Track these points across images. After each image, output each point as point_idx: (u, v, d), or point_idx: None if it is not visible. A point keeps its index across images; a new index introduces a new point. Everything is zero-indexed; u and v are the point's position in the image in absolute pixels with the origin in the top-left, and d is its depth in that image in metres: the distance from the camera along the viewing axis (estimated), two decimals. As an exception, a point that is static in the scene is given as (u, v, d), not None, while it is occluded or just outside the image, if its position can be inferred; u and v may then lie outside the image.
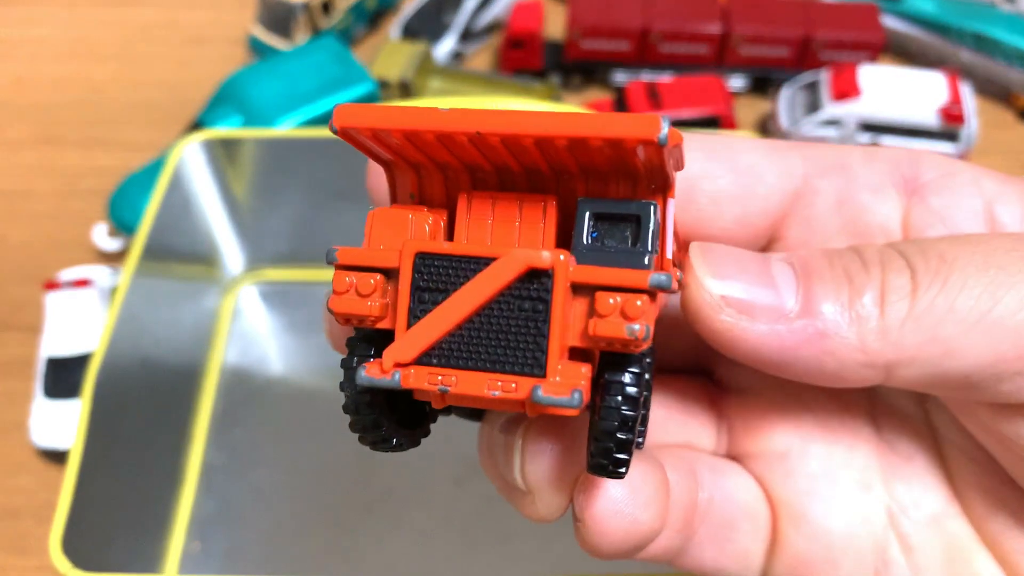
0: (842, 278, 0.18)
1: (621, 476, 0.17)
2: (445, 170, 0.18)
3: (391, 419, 0.18)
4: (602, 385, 0.16)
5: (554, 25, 0.76)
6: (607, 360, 0.16)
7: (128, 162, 0.64)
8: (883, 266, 0.18)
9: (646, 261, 0.16)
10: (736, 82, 0.72)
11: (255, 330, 0.57)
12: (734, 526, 0.21)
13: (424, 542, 0.48)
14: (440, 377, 0.16)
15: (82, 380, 0.46)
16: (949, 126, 0.63)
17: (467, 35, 0.75)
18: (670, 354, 0.23)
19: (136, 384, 0.47)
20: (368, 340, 0.18)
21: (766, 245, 0.22)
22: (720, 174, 0.21)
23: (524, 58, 0.72)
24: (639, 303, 0.15)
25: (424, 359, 0.16)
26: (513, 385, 0.16)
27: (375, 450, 0.19)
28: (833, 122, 0.65)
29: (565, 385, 0.16)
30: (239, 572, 0.47)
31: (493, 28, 0.77)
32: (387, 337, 0.17)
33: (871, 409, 0.22)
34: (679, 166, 0.17)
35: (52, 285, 0.55)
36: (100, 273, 0.56)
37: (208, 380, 0.54)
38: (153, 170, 0.59)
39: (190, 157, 0.53)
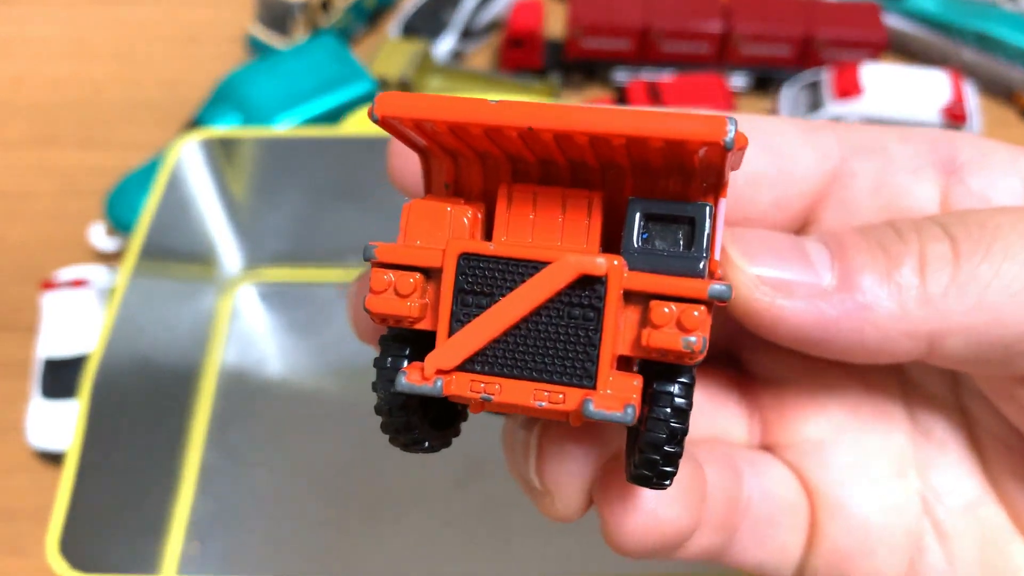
0: (877, 249, 0.18)
1: (665, 487, 0.16)
2: (485, 159, 0.17)
3: (424, 421, 0.18)
4: (650, 395, 0.16)
5: (554, 24, 0.76)
6: (656, 370, 0.16)
7: (126, 161, 0.64)
8: (920, 235, 0.18)
9: (700, 267, 0.15)
10: (737, 81, 0.72)
11: (254, 330, 0.56)
12: (775, 521, 0.21)
13: (424, 543, 0.47)
14: (483, 385, 0.16)
15: (79, 381, 0.46)
16: (951, 125, 0.63)
17: (467, 34, 0.75)
18: None
19: (134, 385, 0.46)
20: (403, 340, 0.17)
21: (802, 228, 0.21)
22: (755, 155, 0.20)
23: (524, 57, 0.72)
24: (696, 314, 0.15)
25: (467, 366, 0.16)
26: (561, 396, 0.15)
27: (406, 451, 0.18)
28: (835, 121, 0.64)
29: (618, 399, 0.15)
30: (238, 573, 0.46)
31: (493, 27, 0.77)
32: (422, 337, 0.16)
33: (903, 395, 0.22)
34: (735, 166, 0.16)
35: (49, 285, 0.55)
36: (97, 273, 0.56)
37: (206, 381, 0.54)
38: (151, 169, 0.59)
39: (188, 156, 0.52)
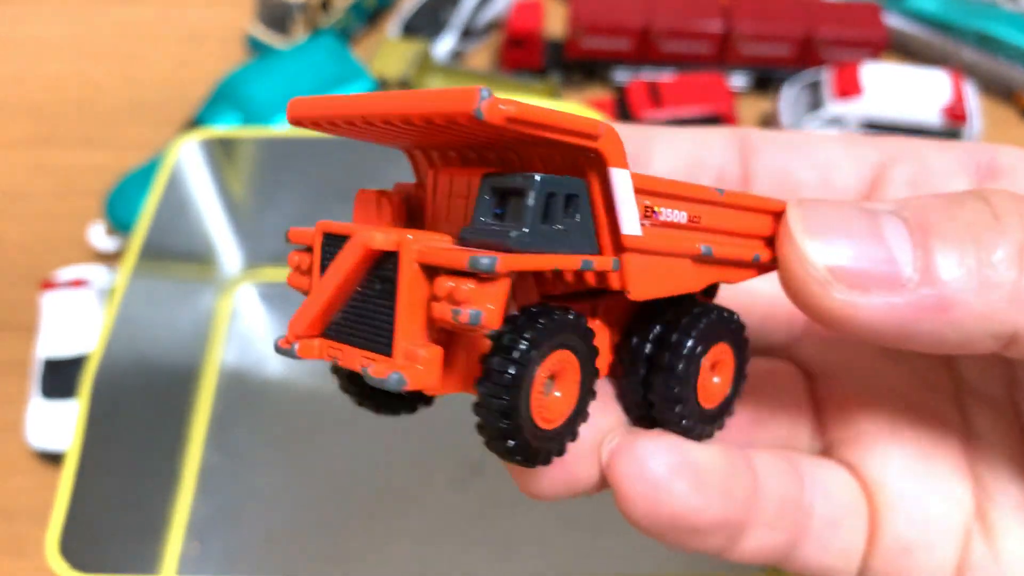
0: (966, 235, 0.16)
1: (511, 458, 0.16)
2: (425, 151, 0.19)
3: (357, 385, 0.20)
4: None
5: (554, 23, 0.76)
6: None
7: (125, 161, 0.64)
8: (1021, 217, 0.16)
9: (511, 237, 0.15)
10: (738, 80, 0.72)
11: (253, 330, 0.56)
12: (837, 523, 0.21)
13: (423, 543, 0.47)
14: (332, 351, 0.17)
15: (79, 381, 0.45)
16: (952, 125, 0.63)
17: (467, 33, 0.75)
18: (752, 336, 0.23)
19: (133, 385, 0.46)
20: None
21: None
22: (801, 167, 0.21)
23: (524, 56, 0.72)
24: (466, 287, 0.15)
25: (326, 332, 0.17)
26: (374, 363, 0.16)
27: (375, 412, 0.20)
28: (835, 120, 0.64)
29: (389, 366, 0.16)
30: (238, 573, 0.46)
31: (493, 26, 0.77)
32: None
33: (957, 393, 0.22)
34: (592, 134, 0.16)
35: (48, 285, 0.55)
36: (97, 273, 0.56)
37: (206, 381, 0.53)
38: (150, 169, 0.59)
39: (187, 156, 0.52)
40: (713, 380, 0.20)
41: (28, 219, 0.63)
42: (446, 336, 0.16)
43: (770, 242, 0.19)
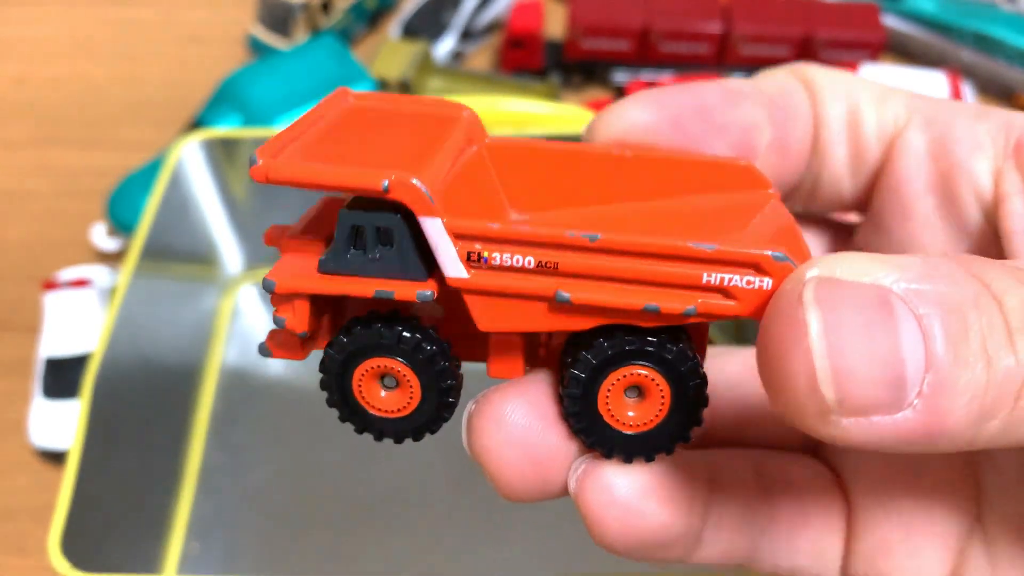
0: (978, 353, 0.14)
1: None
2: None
3: None
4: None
5: (554, 24, 0.76)
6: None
7: (127, 161, 0.64)
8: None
9: (320, 262, 0.19)
10: (737, 81, 0.72)
11: (254, 330, 0.57)
12: (806, 521, 0.21)
13: (424, 543, 0.47)
14: None
15: (81, 380, 0.46)
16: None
17: (467, 35, 0.75)
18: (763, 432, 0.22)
19: (135, 384, 0.47)
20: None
21: (870, 193, 0.21)
22: (831, 102, 0.21)
23: (524, 58, 0.72)
24: (277, 300, 0.20)
25: None
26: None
27: None
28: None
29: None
30: (238, 573, 0.46)
31: (493, 27, 0.77)
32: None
33: (976, 501, 0.21)
34: (374, 189, 0.17)
35: (51, 285, 0.55)
36: (99, 273, 0.56)
37: (207, 380, 0.54)
38: (152, 170, 0.59)
39: (189, 156, 0.53)
40: (627, 404, 0.19)
41: (30, 219, 0.64)
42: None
43: (693, 289, 0.17)
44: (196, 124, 0.62)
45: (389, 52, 0.68)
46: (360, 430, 0.21)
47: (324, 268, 0.18)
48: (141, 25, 0.79)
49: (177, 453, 0.50)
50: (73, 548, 0.37)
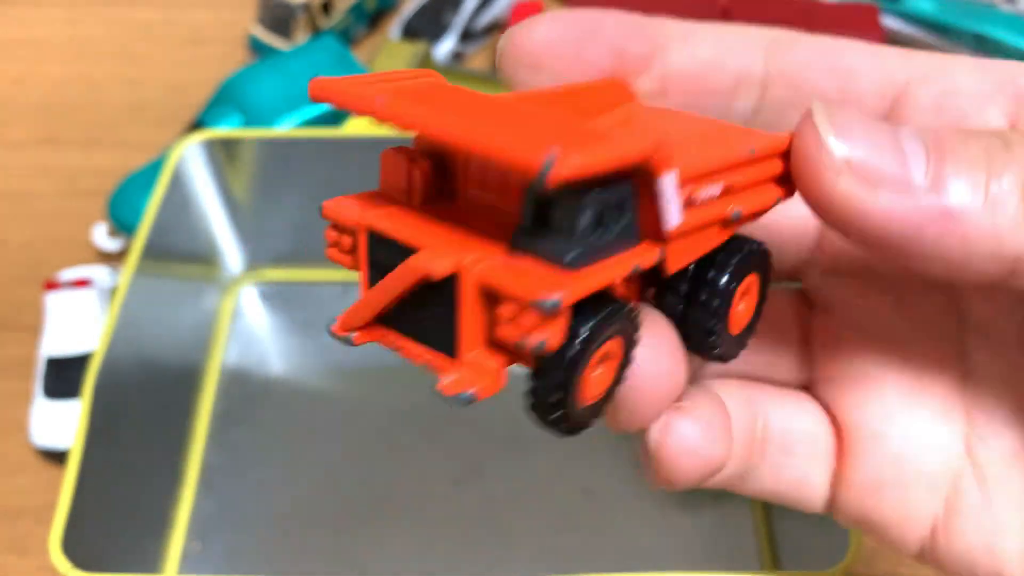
0: (980, 156, 0.16)
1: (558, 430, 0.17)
2: None
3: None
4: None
5: (554, 25, 0.76)
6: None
7: (128, 162, 0.64)
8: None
9: (567, 258, 0.15)
10: (736, 82, 0.72)
11: (255, 330, 0.57)
12: (790, 452, 0.21)
13: (424, 542, 0.48)
14: (393, 340, 0.17)
15: (82, 380, 0.46)
16: (949, 126, 0.63)
17: (467, 35, 0.75)
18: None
19: (136, 384, 0.47)
20: None
21: None
22: (821, 75, 0.20)
23: (524, 58, 0.72)
24: (531, 319, 0.15)
25: (382, 321, 0.17)
26: (436, 365, 0.17)
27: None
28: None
29: (459, 383, 0.16)
30: (239, 572, 0.47)
31: (493, 28, 0.77)
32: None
33: (960, 337, 0.21)
34: (647, 157, 0.16)
35: (52, 285, 0.55)
36: (100, 273, 0.56)
37: (208, 380, 0.54)
38: (153, 170, 0.59)
39: (190, 157, 0.53)
40: (739, 308, 0.20)
41: (31, 220, 0.64)
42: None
43: (779, 180, 0.19)
44: (197, 125, 0.62)
45: (389, 53, 0.69)
46: (573, 431, 0.18)
47: (573, 263, 0.15)
48: (141, 25, 0.79)
49: (178, 453, 0.50)
50: (74, 548, 0.37)
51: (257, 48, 0.74)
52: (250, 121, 0.60)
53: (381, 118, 0.16)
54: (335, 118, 0.61)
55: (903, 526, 0.21)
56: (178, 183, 0.52)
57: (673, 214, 0.17)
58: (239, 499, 0.49)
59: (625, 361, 0.18)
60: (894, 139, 0.17)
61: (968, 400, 0.21)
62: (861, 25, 0.71)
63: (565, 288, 0.15)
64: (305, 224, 0.57)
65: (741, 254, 0.19)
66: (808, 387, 0.23)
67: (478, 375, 0.16)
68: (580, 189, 0.15)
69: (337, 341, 0.18)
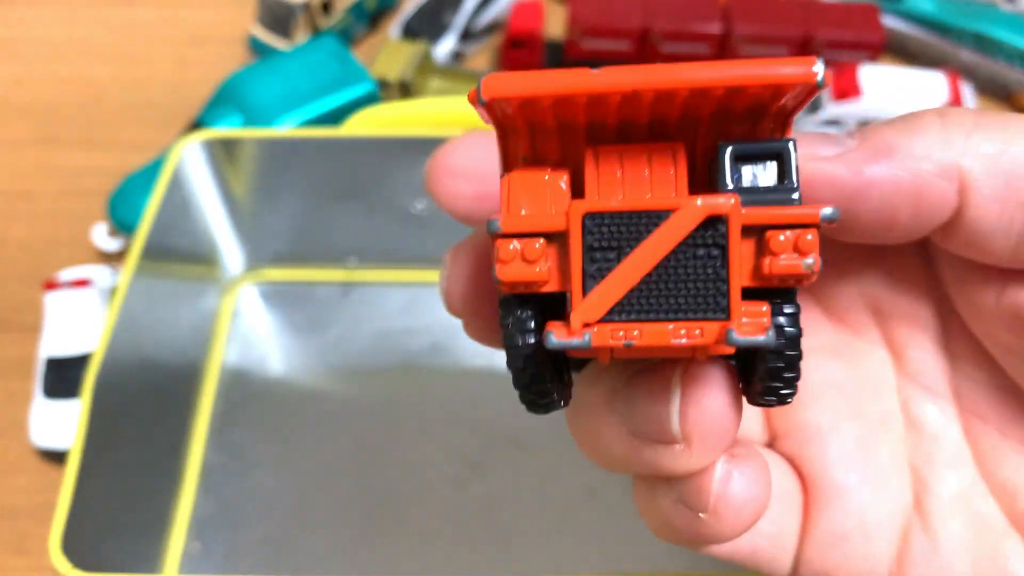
0: (898, 120, 0.18)
1: (790, 400, 0.17)
2: (562, 128, 0.18)
3: (551, 373, 0.18)
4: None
5: (554, 25, 0.76)
6: (767, 294, 0.17)
7: (128, 162, 0.64)
8: (942, 111, 0.18)
9: (796, 197, 0.17)
10: (736, 82, 0.72)
11: (255, 330, 0.57)
12: (768, 508, 0.21)
13: (424, 543, 0.48)
14: (623, 332, 0.16)
15: (81, 380, 0.46)
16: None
17: (467, 35, 0.75)
18: None
19: (136, 384, 0.47)
20: (525, 301, 0.18)
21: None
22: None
23: (524, 58, 0.72)
24: (810, 237, 0.16)
25: (607, 317, 0.16)
26: (698, 331, 0.16)
27: (533, 409, 0.19)
28: (834, 122, 0.65)
29: (757, 324, 0.16)
30: (239, 573, 0.47)
31: (493, 28, 0.77)
32: (544, 299, 0.17)
33: (900, 384, 0.22)
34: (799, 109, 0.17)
35: (51, 285, 0.55)
36: (100, 273, 0.56)
37: (208, 380, 0.54)
38: (153, 170, 0.59)
39: (190, 157, 0.53)
40: None
41: (31, 220, 0.64)
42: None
43: None
44: (197, 124, 0.62)
45: (389, 52, 0.69)
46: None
47: (798, 203, 0.17)
48: (141, 25, 0.79)
49: (177, 453, 0.50)
50: (73, 548, 0.37)
51: (257, 48, 0.74)
52: (250, 121, 0.60)
53: (613, 89, 0.16)
54: (335, 118, 0.61)
55: None
56: (178, 183, 0.52)
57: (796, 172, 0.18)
58: (239, 499, 0.49)
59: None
60: (824, 134, 0.19)
61: (913, 449, 0.22)
62: (862, 25, 0.71)
63: (825, 205, 0.16)
64: (305, 224, 0.57)
65: (794, 299, 0.19)
66: (771, 443, 0.23)
67: (760, 317, 0.16)
68: (784, 140, 0.17)
69: (568, 348, 0.16)
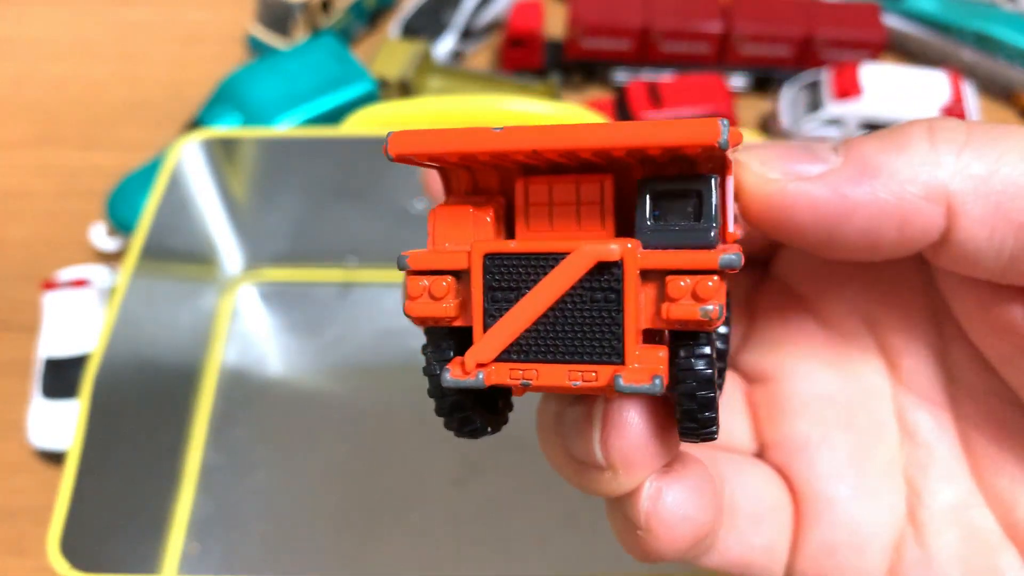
0: (885, 133, 0.18)
1: (713, 437, 0.17)
2: (498, 165, 0.18)
3: (474, 403, 0.19)
4: (676, 366, 0.17)
5: (554, 24, 0.76)
6: (677, 336, 0.17)
7: (126, 161, 0.64)
8: (931, 125, 0.18)
9: (712, 236, 0.16)
10: (737, 81, 0.72)
11: (254, 330, 0.56)
12: (759, 519, 0.21)
13: (423, 543, 0.47)
14: (521, 372, 0.17)
15: (80, 380, 0.46)
16: (951, 125, 0.63)
17: (467, 34, 0.75)
18: None
19: (134, 384, 0.47)
20: (450, 333, 0.18)
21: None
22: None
23: (524, 57, 0.72)
24: (710, 284, 0.16)
25: (504, 356, 0.17)
26: (593, 374, 0.16)
27: (460, 435, 0.19)
28: (835, 121, 0.64)
29: (645, 371, 0.16)
30: (238, 573, 0.46)
31: (493, 27, 0.77)
32: (463, 332, 0.18)
33: (894, 394, 0.22)
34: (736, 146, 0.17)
35: (50, 285, 0.55)
36: (98, 273, 0.56)
37: (207, 380, 0.54)
38: (152, 169, 0.59)
39: (188, 156, 0.52)
40: None
41: (29, 219, 0.64)
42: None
43: None
44: (196, 124, 0.62)
45: (389, 52, 0.68)
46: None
47: (713, 244, 0.16)
48: (141, 25, 0.79)
49: (177, 453, 0.50)
50: (72, 548, 0.37)
51: (256, 47, 0.73)
52: (249, 120, 0.60)
53: (513, 149, 0.16)
54: (334, 117, 0.61)
55: None
56: (177, 182, 0.52)
57: (732, 217, 0.18)
58: (238, 499, 0.49)
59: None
60: (807, 148, 0.19)
61: (908, 458, 0.21)
62: (863, 24, 0.71)
63: (734, 250, 0.16)
64: (304, 223, 0.57)
65: (708, 339, 0.18)
66: (760, 454, 0.23)
67: (654, 363, 0.16)
68: (705, 177, 0.17)
69: (462, 387, 0.17)
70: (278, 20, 0.72)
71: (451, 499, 0.49)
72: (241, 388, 0.54)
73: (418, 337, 0.56)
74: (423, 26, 0.74)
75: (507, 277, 0.17)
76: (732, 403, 0.23)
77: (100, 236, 0.60)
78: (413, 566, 0.47)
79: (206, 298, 0.57)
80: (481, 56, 0.76)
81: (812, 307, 0.23)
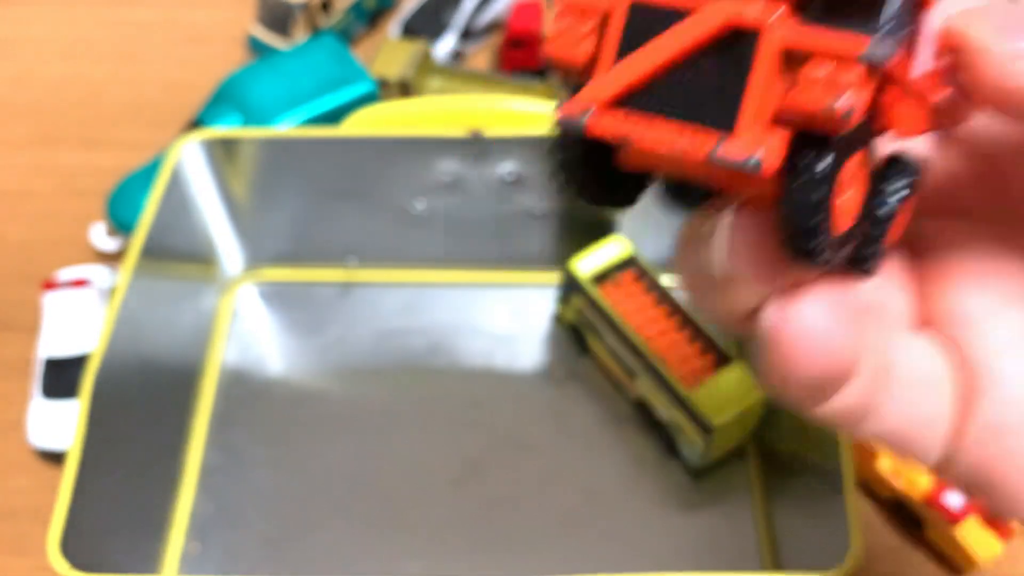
0: None
1: (815, 257, 0.15)
2: None
3: (584, 164, 0.18)
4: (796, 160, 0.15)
5: (554, 24, 0.76)
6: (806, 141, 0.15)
7: (127, 161, 0.64)
8: None
9: (880, 37, 0.14)
10: None
11: (254, 330, 0.57)
12: (921, 390, 0.20)
13: (424, 542, 0.47)
14: (630, 125, 0.16)
15: (80, 380, 0.46)
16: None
17: (467, 34, 0.75)
18: None
19: (134, 384, 0.47)
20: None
21: None
22: None
23: (524, 57, 0.72)
24: (849, 74, 0.14)
25: (619, 103, 0.16)
26: (698, 140, 0.15)
27: (581, 198, 0.18)
28: None
29: (747, 145, 0.14)
30: (238, 573, 0.46)
31: (493, 27, 0.77)
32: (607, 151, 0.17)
33: None
34: None
35: (50, 285, 0.55)
36: (98, 273, 0.56)
37: (207, 380, 0.54)
38: (152, 169, 0.59)
39: (189, 156, 0.53)
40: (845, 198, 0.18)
41: (30, 219, 0.64)
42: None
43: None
44: (196, 124, 0.62)
45: (389, 52, 0.68)
46: (828, 263, 0.16)
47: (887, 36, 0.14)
48: (141, 25, 0.79)
49: (177, 453, 0.50)
50: (72, 548, 0.37)
51: (256, 47, 0.73)
52: (249, 120, 0.60)
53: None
54: (335, 117, 0.61)
55: (1021, 482, 0.19)
56: (177, 182, 0.52)
57: (924, 57, 0.15)
58: (238, 499, 0.49)
59: (874, 197, 0.17)
60: None
61: None
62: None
63: (889, 48, 0.14)
64: (305, 223, 0.57)
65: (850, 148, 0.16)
66: (925, 323, 0.21)
67: (764, 139, 0.14)
68: None
69: (563, 126, 0.16)
70: (278, 20, 0.72)
71: (451, 499, 0.49)
72: (241, 388, 0.54)
73: (419, 338, 0.56)
74: (423, 26, 0.74)
75: (646, 30, 0.16)
76: (891, 274, 0.21)
77: (100, 236, 0.60)
78: (413, 566, 0.47)
79: (206, 298, 0.57)
80: (481, 56, 0.76)
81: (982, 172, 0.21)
